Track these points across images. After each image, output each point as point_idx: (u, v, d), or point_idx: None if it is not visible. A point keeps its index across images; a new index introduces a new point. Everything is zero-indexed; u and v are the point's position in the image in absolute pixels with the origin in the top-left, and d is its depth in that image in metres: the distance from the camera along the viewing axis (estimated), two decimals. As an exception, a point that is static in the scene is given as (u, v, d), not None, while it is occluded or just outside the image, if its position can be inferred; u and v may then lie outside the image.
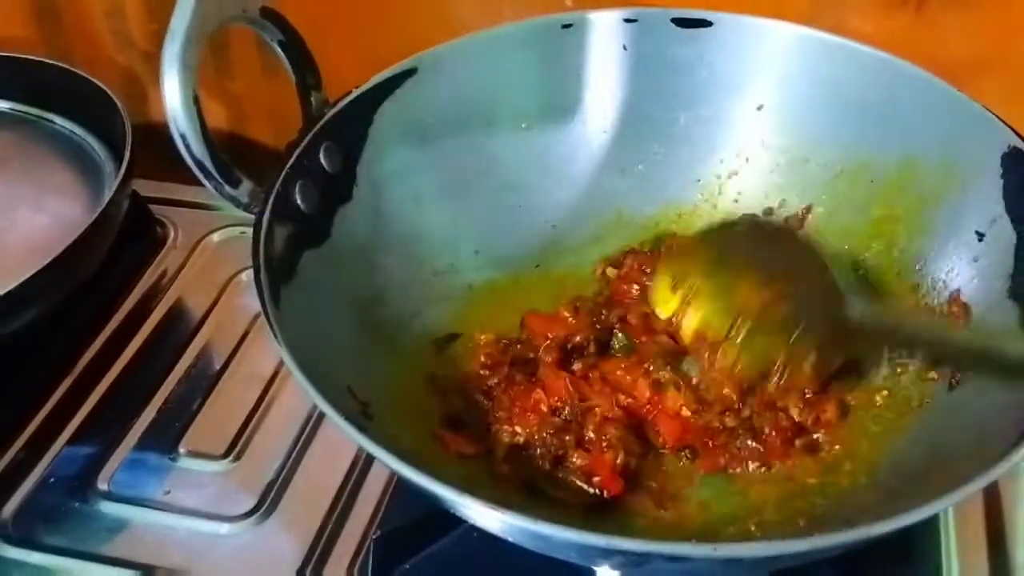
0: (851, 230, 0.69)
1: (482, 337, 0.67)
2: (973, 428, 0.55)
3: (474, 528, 0.51)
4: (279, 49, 0.62)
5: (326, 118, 0.63)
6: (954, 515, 0.64)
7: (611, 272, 0.72)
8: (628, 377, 0.63)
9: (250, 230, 0.57)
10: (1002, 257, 0.60)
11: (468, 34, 0.70)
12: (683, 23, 0.70)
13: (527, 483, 0.59)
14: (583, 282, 0.72)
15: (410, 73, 0.67)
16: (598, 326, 0.67)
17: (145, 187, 0.87)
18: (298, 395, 0.72)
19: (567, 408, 0.62)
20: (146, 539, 0.65)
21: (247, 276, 0.82)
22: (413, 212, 0.69)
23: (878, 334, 0.63)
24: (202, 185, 0.56)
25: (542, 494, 0.59)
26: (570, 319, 0.67)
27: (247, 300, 0.81)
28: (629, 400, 0.62)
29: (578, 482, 0.59)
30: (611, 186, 0.74)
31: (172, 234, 0.88)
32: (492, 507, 0.45)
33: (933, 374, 0.61)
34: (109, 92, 0.83)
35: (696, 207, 0.74)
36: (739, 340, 0.61)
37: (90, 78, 0.84)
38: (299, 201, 0.60)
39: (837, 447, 0.61)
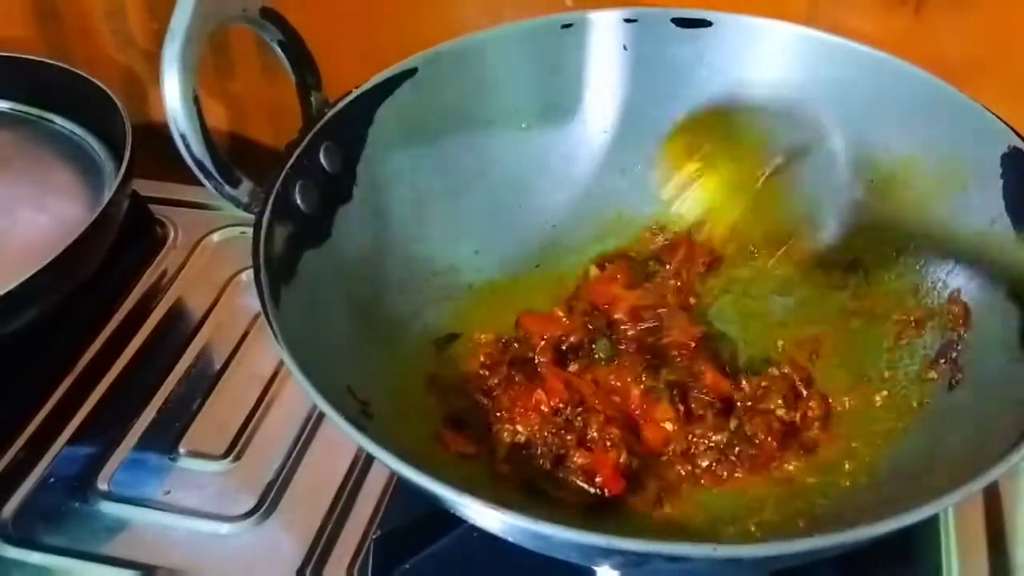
0: (851, 230, 0.69)
1: (481, 337, 0.67)
2: (973, 428, 0.55)
3: (474, 528, 0.51)
4: (279, 49, 0.62)
5: (326, 118, 0.63)
6: (954, 515, 0.64)
7: (593, 272, 0.72)
8: (618, 382, 0.63)
9: (250, 230, 0.57)
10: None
11: (468, 34, 0.70)
12: (683, 23, 0.70)
13: (527, 483, 0.59)
14: (583, 282, 0.72)
15: (410, 73, 0.67)
16: (591, 326, 0.67)
17: (145, 187, 0.87)
18: (298, 395, 0.72)
19: (568, 408, 0.62)
20: (146, 539, 0.65)
21: (247, 276, 0.82)
22: (413, 212, 0.69)
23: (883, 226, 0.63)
24: (202, 185, 0.56)
25: (542, 494, 0.59)
26: (564, 319, 0.67)
27: (247, 300, 0.81)
28: (620, 402, 0.63)
29: (579, 482, 0.59)
30: (611, 186, 0.74)
31: (172, 234, 0.88)
32: (492, 507, 0.45)
33: (933, 374, 0.61)
34: (109, 92, 0.82)
35: (696, 207, 0.74)
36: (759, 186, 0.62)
37: (90, 78, 0.84)
38: (299, 201, 0.60)
39: (836, 447, 0.61)
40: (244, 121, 0.96)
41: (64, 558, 0.64)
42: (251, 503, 0.67)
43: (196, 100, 0.54)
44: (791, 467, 0.60)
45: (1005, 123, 0.61)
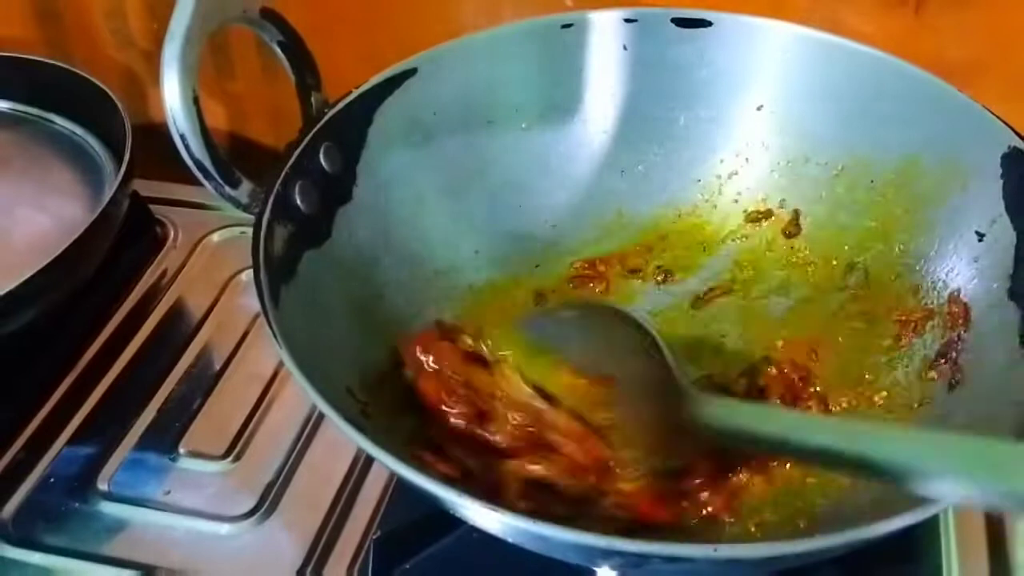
0: (851, 230, 0.69)
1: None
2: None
3: (474, 529, 0.50)
4: (279, 49, 0.62)
5: (326, 118, 0.63)
6: (954, 515, 0.64)
7: (578, 266, 0.72)
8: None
9: (250, 230, 0.57)
10: (1002, 257, 0.60)
11: (468, 34, 0.70)
12: (683, 23, 0.70)
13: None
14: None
15: (410, 73, 0.67)
16: None
17: (145, 187, 0.87)
18: (298, 395, 0.72)
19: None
20: (146, 539, 0.65)
21: (247, 276, 0.82)
22: (413, 212, 0.69)
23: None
24: (202, 185, 0.56)
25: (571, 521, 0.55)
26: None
27: (247, 300, 0.81)
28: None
29: (615, 513, 0.55)
30: (611, 186, 0.74)
31: (172, 234, 0.88)
32: (492, 508, 0.45)
33: (933, 374, 0.61)
34: (109, 92, 0.83)
35: (696, 207, 0.73)
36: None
37: (90, 78, 0.84)
38: (299, 201, 0.60)
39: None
40: (244, 121, 0.96)
41: (64, 558, 0.64)
42: (251, 503, 0.67)
43: (196, 100, 0.54)
44: (791, 467, 0.60)
45: (1005, 123, 0.61)
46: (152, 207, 0.89)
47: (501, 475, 0.56)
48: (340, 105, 0.64)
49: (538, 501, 0.55)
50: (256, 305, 0.54)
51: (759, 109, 0.71)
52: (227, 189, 0.56)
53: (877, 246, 0.68)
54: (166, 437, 0.71)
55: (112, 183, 0.77)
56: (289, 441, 0.70)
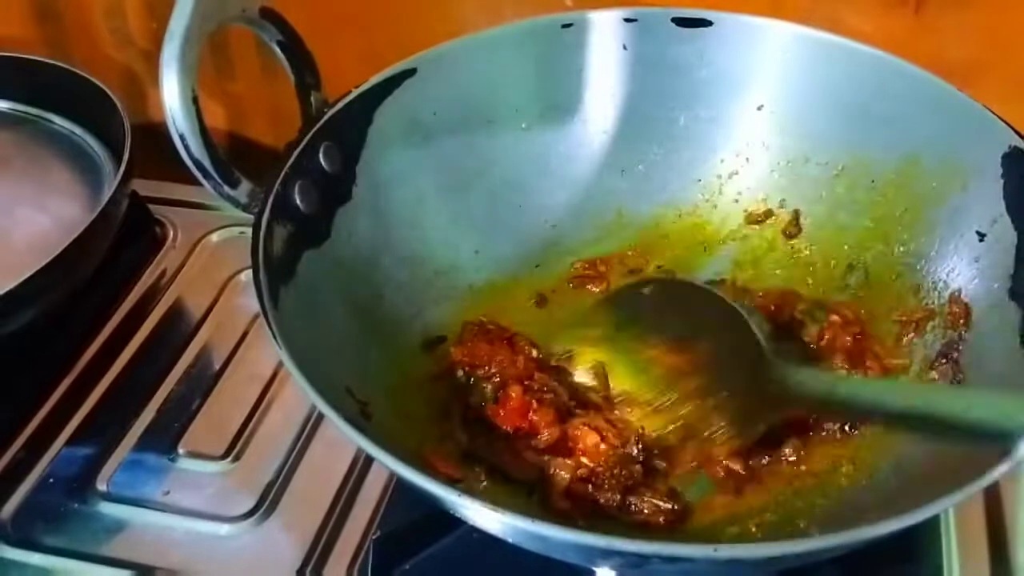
0: (851, 230, 0.69)
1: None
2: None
3: (474, 529, 0.50)
4: (278, 49, 0.62)
5: (325, 118, 0.63)
6: (955, 516, 0.64)
7: (578, 266, 0.72)
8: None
9: (249, 230, 0.57)
10: (1003, 257, 0.60)
11: (468, 34, 0.70)
12: (683, 22, 0.70)
13: (593, 514, 0.58)
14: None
15: (410, 73, 0.67)
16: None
17: (144, 187, 0.87)
18: (297, 395, 0.72)
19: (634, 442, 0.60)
20: (145, 540, 0.65)
21: (246, 276, 0.82)
22: (413, 212, 0.69)
23: (807, 398, 0.58)
24: (201, 185, 0.56)
25: (613, 519, 0.58)
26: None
27: (246, 300, 0.80)
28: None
29: (655, 501, 0.58)
30: (611, 186, 0.73)
31: (171, 234, 0.87)
32: (491, 508, 0.45)
33: (934, 374, 0.61)
34: (108, 92, 0.82)
35: (696, 207, 0.73)
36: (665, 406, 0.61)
37: (90, 78, 0.84)
38: (298, 201, 0.60)
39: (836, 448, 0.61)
40: (243, 121, 0.96)
41: (63, 559, 0.64)
42: (250, 504, 0.66)
43: (195, 100, 0.54)
44: (791, 467, 0.60)
45: (1006, 123, 0.61)
46: (151, 207, 0.89)
47: (547, 475, 0.59)
48: (340, 105, 0.64)
49: (580, 500, 0.58)
50: (255, 305, 0.53)
51: (759, 109, 0.71)
52: (226, 189, 0.56)
53: (877, 246, 0.68)
54: (165, 437, 0.71)
55: (111, 183, 0.77)
56: (289, 441, 0.70)
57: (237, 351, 0.77)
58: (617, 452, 0.59)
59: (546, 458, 0.60)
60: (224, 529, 0.65)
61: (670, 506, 0.57)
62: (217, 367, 0.76)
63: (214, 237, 0.87)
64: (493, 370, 0.63)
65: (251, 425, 0.71)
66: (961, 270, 0.63)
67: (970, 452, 0.51)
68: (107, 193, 0.75)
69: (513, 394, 0.61)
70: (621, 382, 0.63)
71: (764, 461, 0.60)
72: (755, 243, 0.72)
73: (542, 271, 0.72)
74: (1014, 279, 0.59)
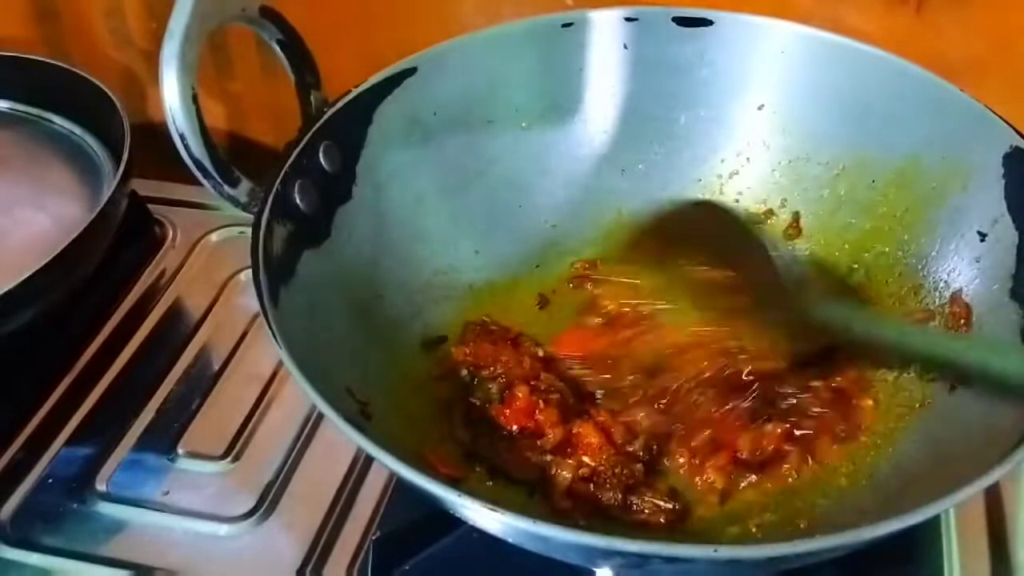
0: (852, 230, 0.69)
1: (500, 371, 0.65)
2: (974, 428, 0.55)
3: (474, 529, 0.50)
4: (278, 48, 0.62)
5: (325, 117, 0.63)
6: (955, 516, 0.64)
7: (578, 266, 0.72)
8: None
9: (249, 230, 0.57)
10: (1004, 257, 0.60)
11: (468, 34, 0.70)
12: (684, 22, 0.70)
13: (594, 514, 0.58)
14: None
15: (410, 72, 0.67)
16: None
17: (144, 187, 0.87)
18: (297, 395, 0.72)
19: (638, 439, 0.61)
20: (145, 540, 0.65)
21: (246, 276, 0.82)
22: (413, 212, 0.69)
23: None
24: (201, 185, 0.56)
25: (615, 520, 0.58)
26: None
27: (246, 300, 0.80)
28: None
29: (656, 500, 0.58)
30: (611, 186, 0.73)
31: (171, 234, 0.87)
32: (491, 508, 0.45)
33: (934, 374, 0.61)
34: (108, 92, 0.82)
35: (697, 207, 0.73)
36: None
37: (89, 77, 0.84)
38: (298, 201, 0.60)
39: (837, 448, 0.61)
40: (243, 121, 0.96)
41: (62, 559, 0.64)
42: (250, 504, 0.66)
43: (195, 99, 0.54)
44: (790, 467, 0.60)
45: (1007, 123, 0.61)
46: (151, 207, 0.88)
47: (549, 475, 0.59)
48: (340, 104, 0.64)
49: (582, 499, 0.58)
50: (255, 305, 0.53)
51: (760, 108, 0.71)
52: (226, 188, 0.56)
53: (878, 246, 0.68)
54: (165, 437, 0.71)
55: (111, 183, 0.77)
56: (288, 441, 0.70)
57: (237, 351, 0.77)
58: (619, 451, 0.60)
59: (548, 458, 0.60)
60: (224, 529, 0.65)
61: (671, 506, 0.57)
62: (217, 367, 0.76)
63: (214, 237, 0.87)
64: (499, 371, 0.63)
65: (251, 425, 0.71)
66: (962, 270, 0.63)
67: (970, 452, 0.52)
68: (106, 193, 0.75)
69: (520, 394, 0.62)
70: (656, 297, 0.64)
71: (764, 458, 0.60)
72: (755, 243, 0.72)
73: (542, 271, 0.72)
74: (1015, 279, 0.59)
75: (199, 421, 0.72)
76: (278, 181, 0.59)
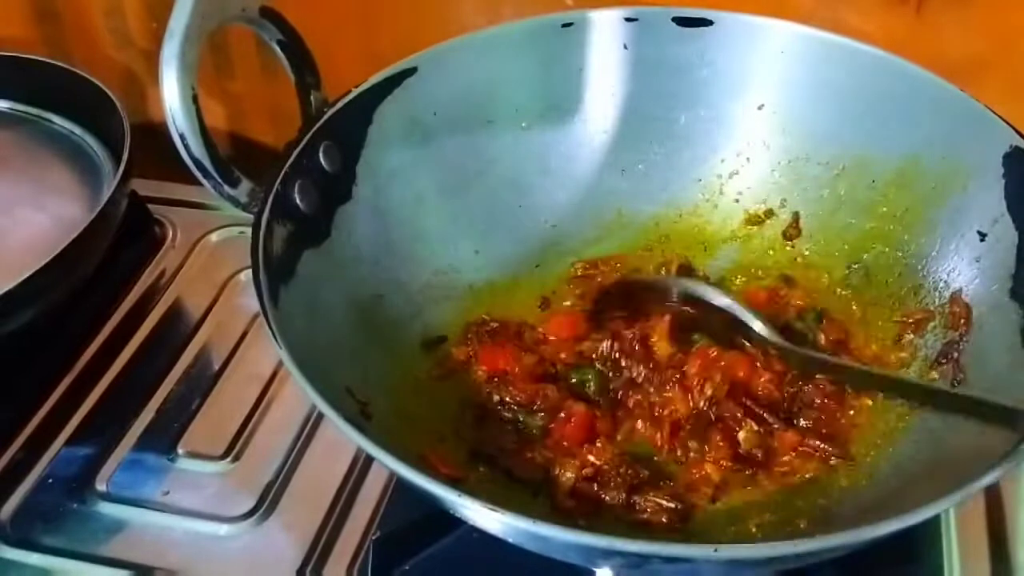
0: (852, 230, 0.69)
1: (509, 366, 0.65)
2: (975, 428, 0.55)
3: (474, 529, 0.50)
4: (278, 49, 0.62)
5: (325, 117, 0.63)
6: (956, 516, 0.64)
7: (578, 266, 0.72)
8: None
9: (249, 230, 0.57)
10: (1004, 257, 0.60)
11: (468, 34, 0.70)
12: (684, 22, 0.70)
13: (596, 514, 0.58)
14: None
15: (410, 72, 0.67)
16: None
17: (144, 187, 0.87)
18: (297, 395, 0.72)
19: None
20: (145, 540, 0.65)
21: (246, 276, 0.82)
22: (413, 212, 0.69)
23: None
24: (201, 185, 0.56)
25: (619, 519, 0.58)
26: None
27: (246, 300, 0.80)
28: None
29: (659, 500, 0.58)
30: (611, 186, 0.73)
31: (171, 234, 0.87)
32: (491, 508, 0.45)
33: (935, 374, 0.61)
34: (108, 91, 0.82)
35: (697, 207, 0.73)
36: None
37: (89, 77, 0.84)
38: (298, 201, 0.60)
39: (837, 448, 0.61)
40: (243, 121, 0.96)
41: (62, 559, 0.64)
42: (250, 504, 0.66)
43: (195, 99, 0.54)
44: (792, 467, 0.60)
45: (1007, 122, 0.61)
46: (151, 207, 0.89)
47: (552, 475, 0.59)
48: (340, 104, 0.64)
49: (585, 499, 0.58)
50: (255, 305, 0.53)
51: (760, 108, 0.71)
52: (226, 188, 0.56)
53: (878, 246, 0.68)
54: (165, 437, 0.71)
55: (111, 183, 0.77)
56: (288, 441, 0.70)
57: (237, 351, 0.77)
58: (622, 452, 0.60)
59: (552, 457, 0.60)
60: (224, 529, 0.65)
61: (673, 505, 0.57)
62: (217, 367, 0.76)
63: (214, 237, 0.87)
64: (532, 401, 0.63)
65: (251, 425, 0.71)
66: (962, 270, 0.63)
67: (970, 452, 0.52)
68: (106, 193, 0.75)
69: (577, 412, 0.62)
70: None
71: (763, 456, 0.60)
72: (756, 243, 0.72)
73: (542, 271, 0.72)
74: (1015, 279, 0.59)
75: (199, 421, 0.72)
76: (278, 181, 0.59)
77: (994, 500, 0.65)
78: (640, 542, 0.44)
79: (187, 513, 0.66)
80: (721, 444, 0.60)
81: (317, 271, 0.60)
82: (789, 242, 0.71)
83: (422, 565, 0.61)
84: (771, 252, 0.72)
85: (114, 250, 0.80)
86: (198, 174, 0.55)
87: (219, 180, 0.56)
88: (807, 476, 0.59)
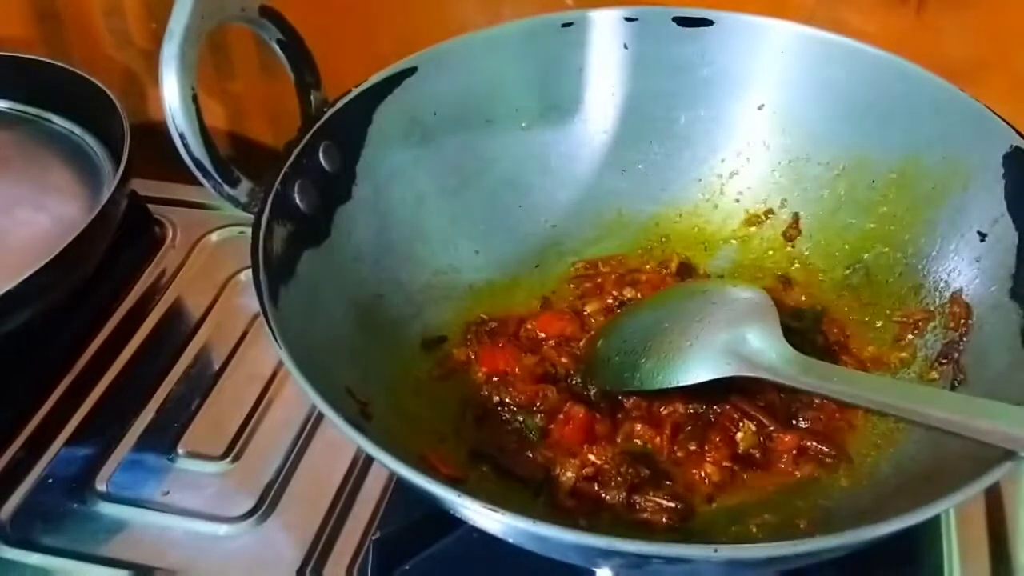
0: (852, 230, 0.69)
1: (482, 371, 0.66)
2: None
3: (474, 529, 0.50)
4: (278, 48, 0.62)
5: (325, 117, 0.63)
6: (956, 516, 0.64)
7: (578, 266, 0.72)
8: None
9: (249, 230, 0.57)
10: (1004, 257, 0.60)
11: (468, 34, 0.70)
12: (684, 22, 0.70)
13: (596, 513, 0.58)
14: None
15: (410, 72, 0.67)
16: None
17: (144, 187, 0.87)
18: (297, 396, 0.72)
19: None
20: (145, 540, 0.65)
21: (246, 276, 0.82)
22: (413, 212, 0.69)
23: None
24: (201, 185, 0.56)
25: (618, 519, 0.58)
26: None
27: (246, 300, 0.80)
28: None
29: (659, 500, 0.58)
30: (612, 186, 0.73)
31: (171, 234, 0.87)
32: (491, 508, 0.45)
33: (935, 375, 0.61)
34: (108, 91, 0.82)
35: (697, 207, 0.73)
36: None
37: (89, 77, 0.84)
38: (298, 201, 0.60)
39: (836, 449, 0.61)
40: (243, 121, 0.96)
41: (62, 559, 0.64)
42: (250, 504, 0.66)
43: (195, 99, 0.54)
44: (792, 467, 0.60)
45: (1007, 123, 0.61)
46: (151, 207, 0.89)
47: (554, 475, 0.59)
48: (340, 104, 0.64)
49: (586, 498, 0.58)
50: (255, 305, 0.53)
51: (760, 108, 0.71)
52: (226, 188, 0.56)
53: (878, 246, 0.68)
54: (165, 437, 0.71)
55: (110, 183, 0.77)
56: (288, 441, 0.70)
57: (237, 351, 0.77)
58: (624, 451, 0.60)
59: (552, 457, 0.60)
60: (223, 529, 0.65)
61: (673, 505, 0.57)
62: (217, 367, 0.76)
63: (214, 237, 0.87)
64: (539, 405, 0.63)
65: (251, 425, 0.71)
66: (962, 270, 0.63)
67: (970, 452, 0.51)
68: (106, 193, 0.75)
69: (577, 414, 0.62)
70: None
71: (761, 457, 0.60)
72: (755, 243, 0.72)
73: (542, 271, 0.72)
74: (1015, 279, 0.59)
75: (199, 421, 0.72)
76: (278, 181, 0.59)
77: (994, 500, 0.65)
78: (640, 542, 0.44)
79: (187, 513, 0.66)
80: (720, 444, 0.60)
81: (317, 271, 0.60)
82: (789, 242, 0.71)
83: (422, 565, 0.61)
84: (771, 252, 0.72)
85: (114, 250, 0.80)
86: (198, 174, 0.55)
87: (219, 180, 0.56)
88: (807, 476, 0.59)
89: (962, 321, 0.61)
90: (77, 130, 0.89)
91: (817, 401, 0.61)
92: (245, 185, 0.57)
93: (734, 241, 0.73)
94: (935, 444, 0.57)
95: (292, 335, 0.52)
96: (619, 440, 0.61)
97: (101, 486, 0.68)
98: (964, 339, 0.61)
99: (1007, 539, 0.63)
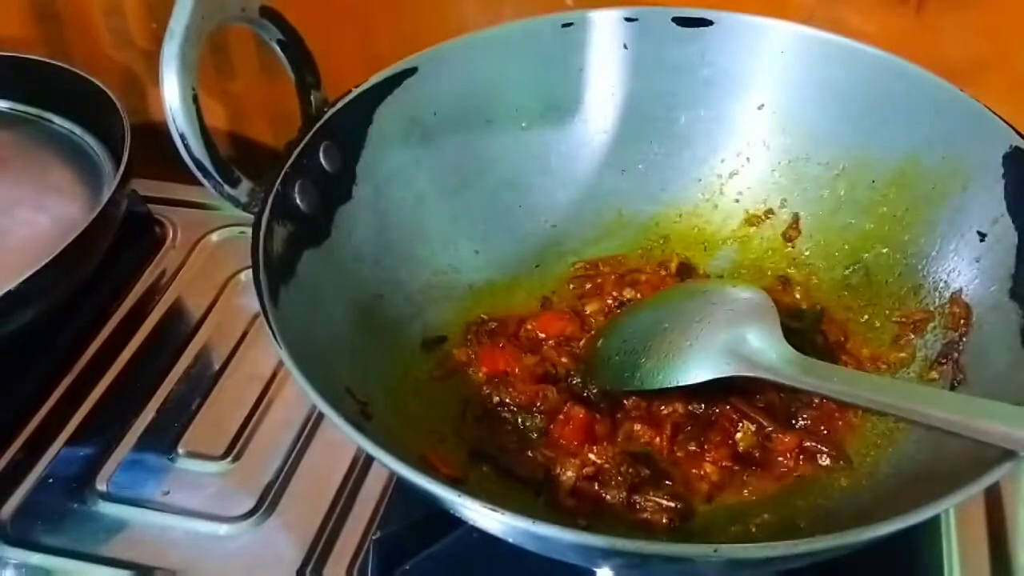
0: (852, 230, 0.69)
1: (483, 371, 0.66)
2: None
3: (474, 529, 0.50)
4: (278, 48, 0.62)
5: (325, 117, 0.63)
6: (955, 516, 0.64)
7: (578, 267, 0.72)
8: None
9: (249, 230, 0.57)
10: (1004, 257, 0.60)
11: (468, 34, 0.70)
12: (684, 22, 0.70)
13: (596, 513, 0.58)
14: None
15: (410, 72, 0.67)
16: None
17: (144, 187, 0.87)
18: (297, 395, 0.72)
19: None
20: (145, 540, 0.65)
21: (246, 276, 0.82)
22: (413, 212, 0.69)
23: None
24: (201, 185, 0.56)
25: (618, 518, 0.58)
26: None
27: (246, 300, 0.80)
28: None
29: (659, 500, 0.58)
30: (612, 186, 0.73)
31: (171, 234, 0.87)
32: (491, 508, 0.45)
33: (934, 375, 0.61)
34: (108, 92, 0.82)
35: (697, 207, 0.73)
36: None
37: (89, 77, 0.84)
38: (298, 201, 0.60)
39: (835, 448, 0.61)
40: (244, 121, 0.96)
41: (63, 559, 0.64)
42: (250, 504, 0.66)
43: (195, 99, 0.54)
44: (792, 468, 0.60)
45: (1006, 123, 0.61)
46: (151, 207, 0.89)
47: (553, 474, 0.59)
48: (340, 104, 0.64)
49: (587, 498, 0.58)
50: (255, 305, 0.53)
51: (760, 108, 0.71)
52: (226, 188, 0.56)
53: (878, 246, 0.68)
54: (165, 437, 0.71)
55: (111, 183, 0.77)
56: (288, 441, 0.70)
57: (237, 351, 0.77)
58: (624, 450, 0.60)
59: (552, 456, 0.60)
60: (224, 529, 0.65)
61: (673, 505, 0.57)
62: (217, 367, 0.76)
63: (214, 237, 0.87)
64: (539, 405, 0.63)
65: (251, 425, 0.71)
66: (962, 270, 0.63)
67: (970, 452, 0.51)
68: (107, 193, 0.75)
69: (577, 414, 0.61)
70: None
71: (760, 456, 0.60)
72: (755, 243, 0.72)
73: (542, 271, 0.72)
74: (1015, 279, 0.59)
75: (199, 421, 0.72)
76: (278, 181, 0.59)
77: (994, 500, 0.65)
78: (640, 542, 0.44)
79: (187, 513, 0.66)
80: (720, 444, 0.60)
81: (317, 271, 0.60)
82: (789, 242, 0.71)
83: (422, 565, 0.61)
84: (771, 252, 0.72)
85: (114, 250, 0.80)
86: (198, 174, 0.55)
87: (219, 180, 0.56)
88: (807, 476, 0.59)
89: (962, 321, 0.61)
90: (77, 130, 0.89)
91: (817, 401, 0.61)
92: (245, 185, 0.57)
93: (734, 241, 0.73)
94: (935, 444, 0.57)
95: (292, 335, 0.52)
96: (619, 440, 0.61)
97: (101, 486, 0.68)
98: (964, 339, 0.61)
99: (1007, 539, 0.63)
